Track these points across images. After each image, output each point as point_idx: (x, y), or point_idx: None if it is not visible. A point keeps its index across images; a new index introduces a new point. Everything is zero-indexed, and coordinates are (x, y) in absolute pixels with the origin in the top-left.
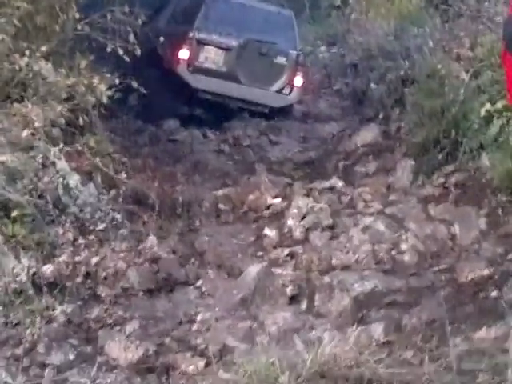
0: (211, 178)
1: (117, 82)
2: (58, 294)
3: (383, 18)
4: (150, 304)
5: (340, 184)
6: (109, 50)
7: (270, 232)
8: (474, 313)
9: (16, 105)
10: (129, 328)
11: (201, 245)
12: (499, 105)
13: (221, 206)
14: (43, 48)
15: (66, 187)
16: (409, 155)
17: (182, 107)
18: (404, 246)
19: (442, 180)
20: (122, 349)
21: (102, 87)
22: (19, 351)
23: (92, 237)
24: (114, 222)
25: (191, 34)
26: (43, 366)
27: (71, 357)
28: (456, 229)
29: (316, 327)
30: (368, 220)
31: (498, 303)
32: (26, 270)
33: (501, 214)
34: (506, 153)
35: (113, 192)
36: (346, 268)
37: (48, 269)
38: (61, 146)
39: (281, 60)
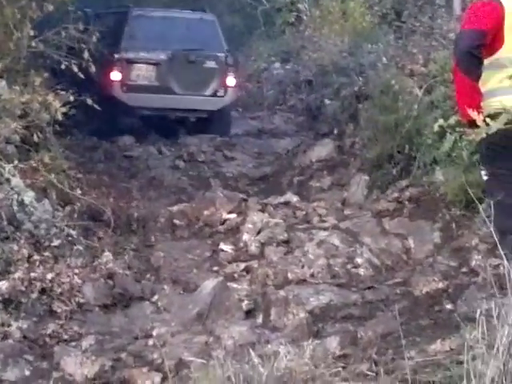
0: (166, 193)
1: (71, 98)
2: (13, 310)
3: (337, 34)
4: (105, 319)
5: (295, 199)
6: (63, 67)
7: (226, 247)
8: (428, 325)
9: None
10: (85, 343)
11: (156, 260)
12: (452, 120)
13: (176, 221)
14: None
15: (21, 204)
16: (363, 170)
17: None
18: (359, 260)
19: (396, 195)
20: (78, 364)
21: (57, 104)
22: None
23: (47, 253)
24: (69, 238)
25: (119, 55)
26: None
27: (27, 373)
28: (410, 243)
29: (272, 341)
30: (323, 234)
31: (452, 316)
32: None
33: (454, 227)
34: (459, 167)
35: (68, 208)
36: (301, 282)
37: (3, 285)
38: (15, 162)
39: (210, 64)
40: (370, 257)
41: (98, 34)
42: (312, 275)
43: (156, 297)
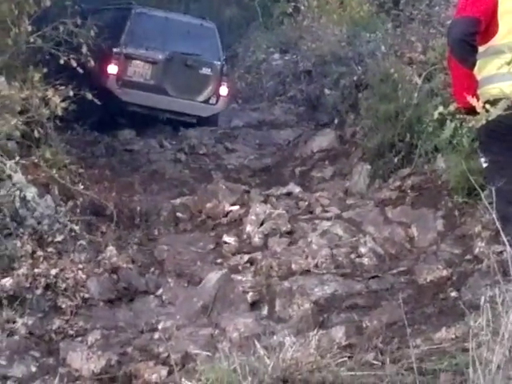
0: (169, 187)
1: (71, 93)
2: (18, 306)
3: (335, 24)
4: (111, 314)
5: (297, 190)
6: (62, 62)
7: (229, 239)
8: (433, 313)
9: None
10: (90, 338)
11: (160, 254)
12: (452, 107)
13: (179, 214)
14: None
15: (23, 200)
16: (365, 159)
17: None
18: (363, 250)
19: (398, 183)
20: (84, 359)
21: (57, 99)
22: None
23: (51, 249)
24: (73, 234)
25: (118, 49)
26: (5, 378)
27: (33, 369)
28: (414, 231)
29: (277, 332)
30: (326, 224)
31: (456, 303)
32: None
33: (457, 215)
34: (460, 155)
35: (70, 203)
36: (305, 273)
37: (7, 282)
38: (17, 158)
39: (206, 71)
40: (374, 246)
41: (96, 28)
42: (316, 265)
43: (160, 290)
